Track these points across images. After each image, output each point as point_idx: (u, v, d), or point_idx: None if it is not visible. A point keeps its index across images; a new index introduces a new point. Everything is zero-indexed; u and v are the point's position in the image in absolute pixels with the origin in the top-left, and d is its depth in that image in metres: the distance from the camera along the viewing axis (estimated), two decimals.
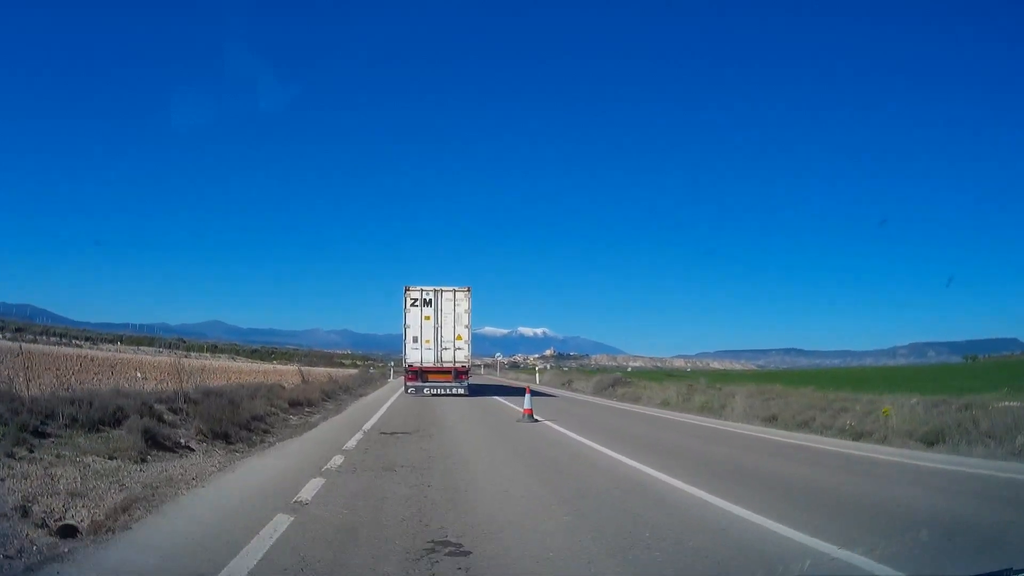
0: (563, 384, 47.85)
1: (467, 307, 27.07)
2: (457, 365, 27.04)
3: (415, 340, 26.92)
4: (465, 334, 27.08)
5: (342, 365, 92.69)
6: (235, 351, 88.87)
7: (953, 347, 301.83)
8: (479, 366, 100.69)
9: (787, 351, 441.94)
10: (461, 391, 26.91)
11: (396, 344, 29.68)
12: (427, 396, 26.38)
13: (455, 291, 27.22)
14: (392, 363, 61.46)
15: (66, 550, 4.99)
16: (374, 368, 73.02)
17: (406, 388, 27.26)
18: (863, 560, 5.07)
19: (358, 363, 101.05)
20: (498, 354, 68.47)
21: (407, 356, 27.12)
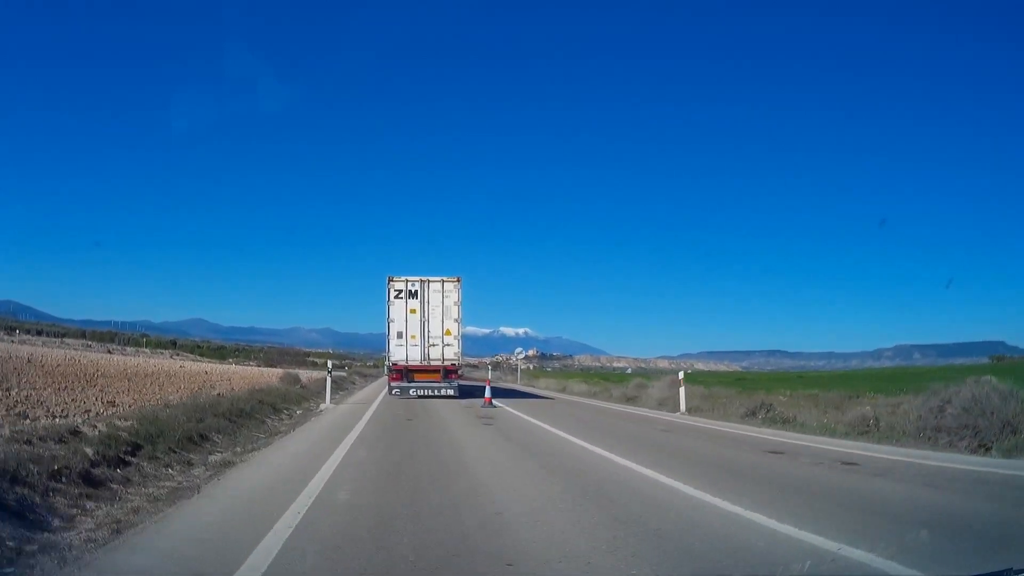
0: (759, 414, 18.58)
1: (457, 299, 24.75)
2: (446, 363, 24.68)
3: (399, 336, 24.54)
4: (455, 329, 24.74)
5: (314, 365, 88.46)
6: (194, 348, 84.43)
7: (939, 349, 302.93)
8: (476, 366, 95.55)
9: (771, 352, 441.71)
10: (451, 392, 24.57)
11: (378, 343, 27.35)
12: (413, 397, 24.06)
13: (443, 281, 24.88)
14: (330, 368, 24.57)
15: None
16: (344, 372, 55.29)
17: (390, 389, 24.93)
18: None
19: (335, 363, 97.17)
20: (519, 350, 58.60)
21: (391, 354, 24.75)
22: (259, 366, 64.37)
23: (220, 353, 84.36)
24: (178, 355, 64.05)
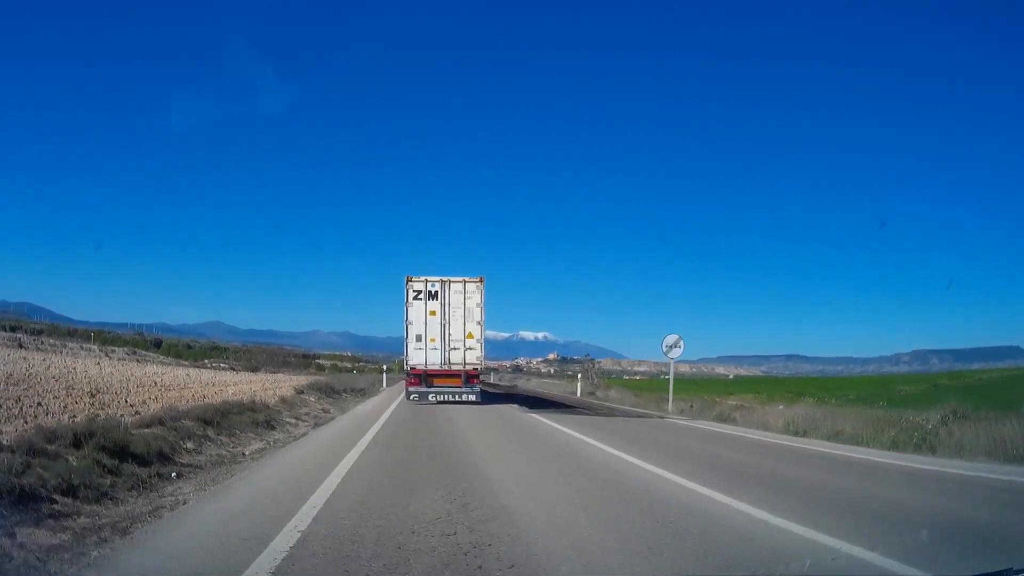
0: None
1: (479, 300, 23.58)
2: (468, 368, 23.52)
3: (419, 339, 23.44)
4: (477, 332, 23.58)
5: (319, 369, 74.39)
6: (173, 348, 75.11)
7: (956, 354, 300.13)
8: (496, 369, 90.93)
9: (789, 357, 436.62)
10: (472, 397, 23.48)
11: (397, 346, 26.09)
12: (432, 403, 22.99)
13: (465, 282, 23.75)
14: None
15: None
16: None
17: (408, 395, 23.91)
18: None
19: (346, 365, 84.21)
20: (673, 336, 31.60)
21: (409, 358, 23.63)
22: (232, 370, 54.75)
23: (192, 354, 74.45)
24: (134, 354, 56.68)
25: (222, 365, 60.68)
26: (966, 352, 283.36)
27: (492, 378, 71.09)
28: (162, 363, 52.23)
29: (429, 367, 23.39)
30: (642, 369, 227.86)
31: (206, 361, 64.83)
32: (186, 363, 56.51)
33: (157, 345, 75.08)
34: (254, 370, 55.79)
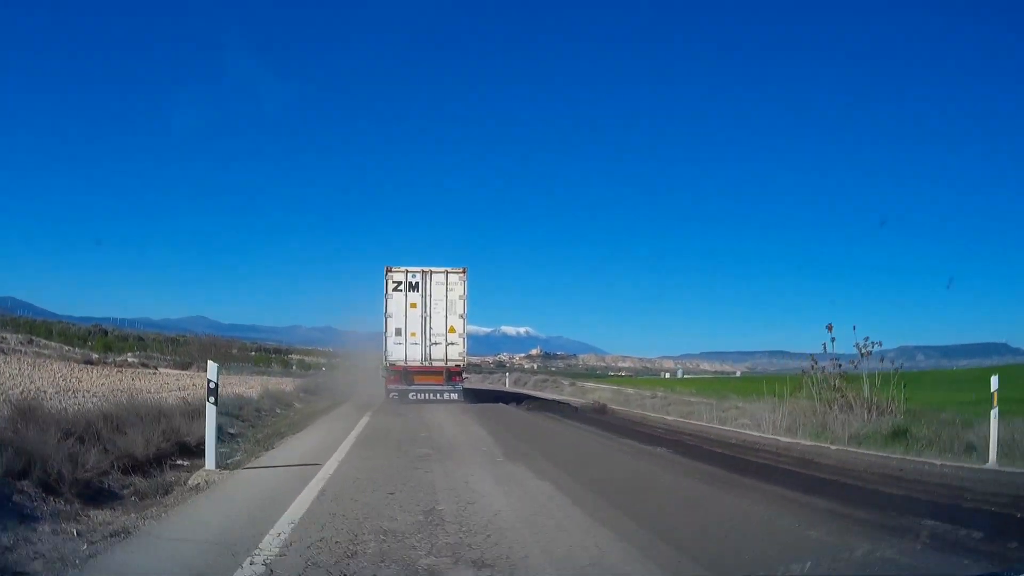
0: None
1: (462, 292, 22.53)
2: (450, 364, 22.42)
3: (398, 333, 22.32)
4: (459, 326, 22.53)
5: (283, 366, 64.58)
6: (95, 337, 64.81)
7: (943, 351, 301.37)
8: (478, 366, 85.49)
9: (773, 353, 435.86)
10: (454, 396, 22.33)
11: (378, 342, 24.82)
12: (412, 402, 21.76)
13: (447, 272, 22.68)
14: None
15: None
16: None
17: (388, 392, 22.67)
18: None
19: (320, 360, 72.74)
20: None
21: (389, 353, 22.50)
22: (145, 366, 44.67)
23: (145, 346, 65.77)
24: (31, 343, 46.89)
25: (130, 359, 53.48)
26: (953, 348, 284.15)
27: (507, 382, 52.78)
28: (38, 353, 43.31)
29: (410, 363, 22.30)
30: (626, 365, 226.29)
31: (129, 355, 56.86)
32: (77, 357, 46.87)
33: (103, 334, 69.75)
34: (184, 367, 49.66)
